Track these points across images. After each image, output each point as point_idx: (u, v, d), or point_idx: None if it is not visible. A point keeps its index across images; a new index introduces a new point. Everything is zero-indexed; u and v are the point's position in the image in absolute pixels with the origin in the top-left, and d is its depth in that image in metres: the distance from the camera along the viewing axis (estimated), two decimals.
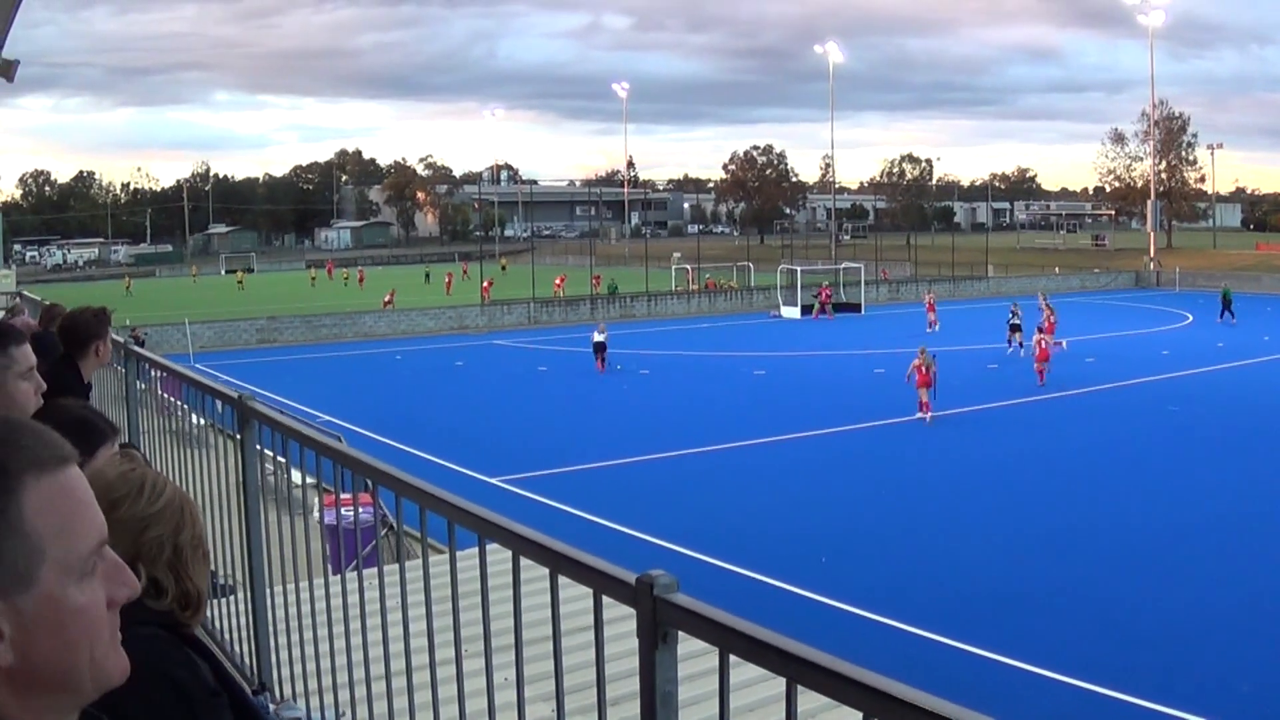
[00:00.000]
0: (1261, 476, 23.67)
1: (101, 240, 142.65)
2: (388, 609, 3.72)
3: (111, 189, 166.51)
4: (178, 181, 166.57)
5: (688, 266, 79.24)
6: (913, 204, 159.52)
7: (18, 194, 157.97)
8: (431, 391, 37.61)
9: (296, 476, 4.75)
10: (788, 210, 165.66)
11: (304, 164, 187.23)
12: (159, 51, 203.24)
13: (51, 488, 1.39)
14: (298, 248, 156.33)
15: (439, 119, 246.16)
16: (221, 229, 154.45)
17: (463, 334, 57.25)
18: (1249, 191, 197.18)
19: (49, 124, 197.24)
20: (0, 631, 1.29)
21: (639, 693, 2.38)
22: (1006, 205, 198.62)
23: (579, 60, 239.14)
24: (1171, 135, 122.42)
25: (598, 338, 41.79)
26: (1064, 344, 39.18)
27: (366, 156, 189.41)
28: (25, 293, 18.34)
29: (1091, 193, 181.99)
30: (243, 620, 5.17)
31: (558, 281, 74.02)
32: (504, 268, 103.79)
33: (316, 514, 5.31)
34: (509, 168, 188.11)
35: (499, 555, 2.93)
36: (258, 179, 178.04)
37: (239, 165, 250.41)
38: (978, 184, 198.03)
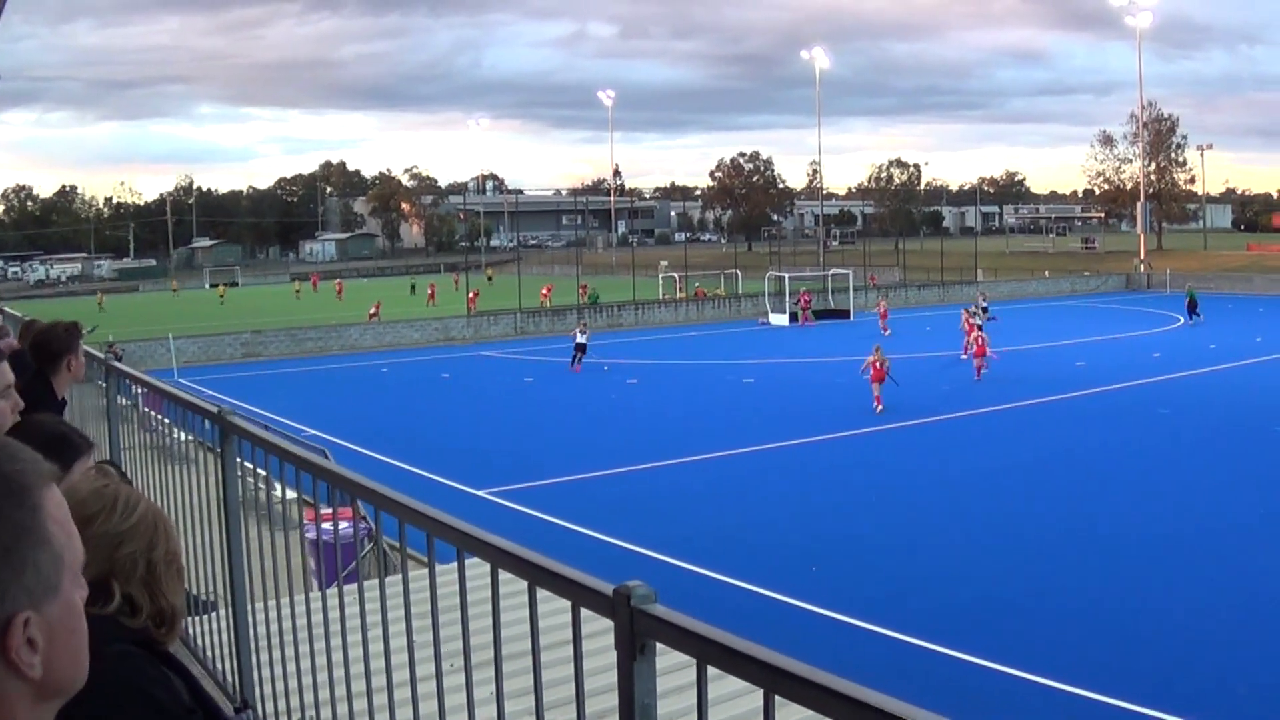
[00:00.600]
0: (1255, 478, 23.74)
1: (85, 255, 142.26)
2: (369, 624, 3.74)
3: (94, 203, 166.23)
4: (161, 195, 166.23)
5: (675, 275, 79.24)
6: (901, 209, 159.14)
7: (0, 209, 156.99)
8: (418, 404, 37.33)
9: (278, 491, 4.75)
10: (775, 217, 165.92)
11: (288, 176, 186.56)
12: (141, 64, 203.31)
13: (56, 497, 1.48)
14: (282, 261, 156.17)
15: (424, 129, 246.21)
16: (205, 242, 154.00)
17: (449, 345, 56.90)
18: (1239, 192, 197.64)
19: (31, 138, 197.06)
20: (35, 643, 1.26)
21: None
22: (995, 209, 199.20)
23: (564, 69, 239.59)
24: (1161, 137, 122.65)
25: (579, 339, 42.75)
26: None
27: (351, 168, 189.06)
28: (7, 309, 18.21)
29: (1081, 195, 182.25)
30: (224, 637, 5.10)
31: (544, 291, 73.50)
32: (490, 278, 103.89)
33: (302, 529, 5.25)
34: (495, 177, 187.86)
35: (479, 569, 2.94)
36: (242, 192, 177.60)
37: (223, 178, 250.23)
38: (966, 188, 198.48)
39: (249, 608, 4.86)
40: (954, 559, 18.48)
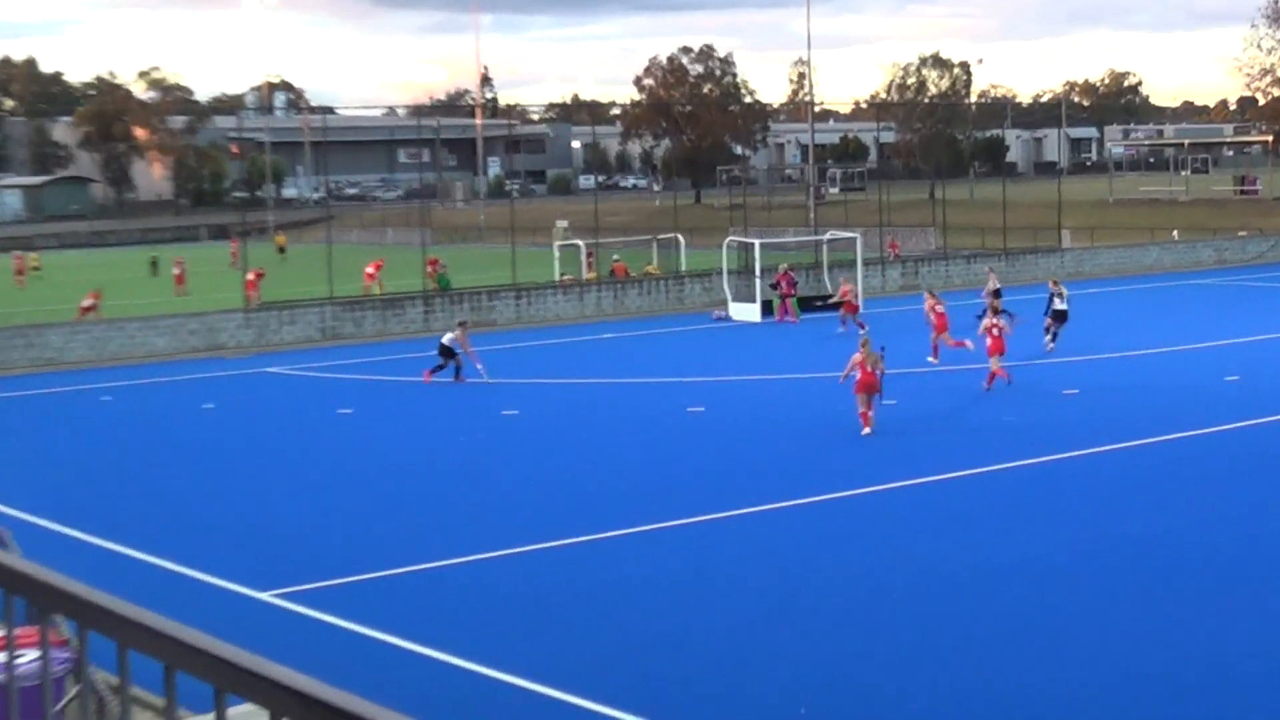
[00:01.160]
0: None
1: None
2: None
3: None
4: None
5: (580, 243, 65.84)
6: (939, 134, 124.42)
7: None
8: (161, 454, 32.53)
9: None
10: (739, 149, 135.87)
11: None
12: None
13: None
14: None
15: (170, 8, 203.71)
16: None
17: (214, 358, 47.15)
18: None
19: None
20: None
21: None
22: (1093, 132, 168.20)
23: None
24: None
25: (446, 339, 39.65)
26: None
27: (47, 69, 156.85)
28: None
29: (1234, 108, 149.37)
30: None
31: (370, 270, 62.32)
32: (282, 249, 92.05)
33: None
34: (289, 87, 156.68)
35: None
36: None
37: None
38: (1044, 100, 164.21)
39: None
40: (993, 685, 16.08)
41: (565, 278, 61.05)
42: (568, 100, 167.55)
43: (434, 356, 39.56)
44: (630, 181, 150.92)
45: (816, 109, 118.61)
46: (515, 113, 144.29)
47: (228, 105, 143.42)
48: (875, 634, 18.70)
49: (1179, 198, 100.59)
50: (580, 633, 19.16)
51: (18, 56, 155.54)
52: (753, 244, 56.33)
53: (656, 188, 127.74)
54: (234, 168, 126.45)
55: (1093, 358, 39.40)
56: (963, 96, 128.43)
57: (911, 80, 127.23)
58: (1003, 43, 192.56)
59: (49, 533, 24.51)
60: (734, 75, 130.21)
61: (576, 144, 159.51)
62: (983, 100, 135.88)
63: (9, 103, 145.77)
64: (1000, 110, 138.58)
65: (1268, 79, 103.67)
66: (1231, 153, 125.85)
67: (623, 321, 54.95)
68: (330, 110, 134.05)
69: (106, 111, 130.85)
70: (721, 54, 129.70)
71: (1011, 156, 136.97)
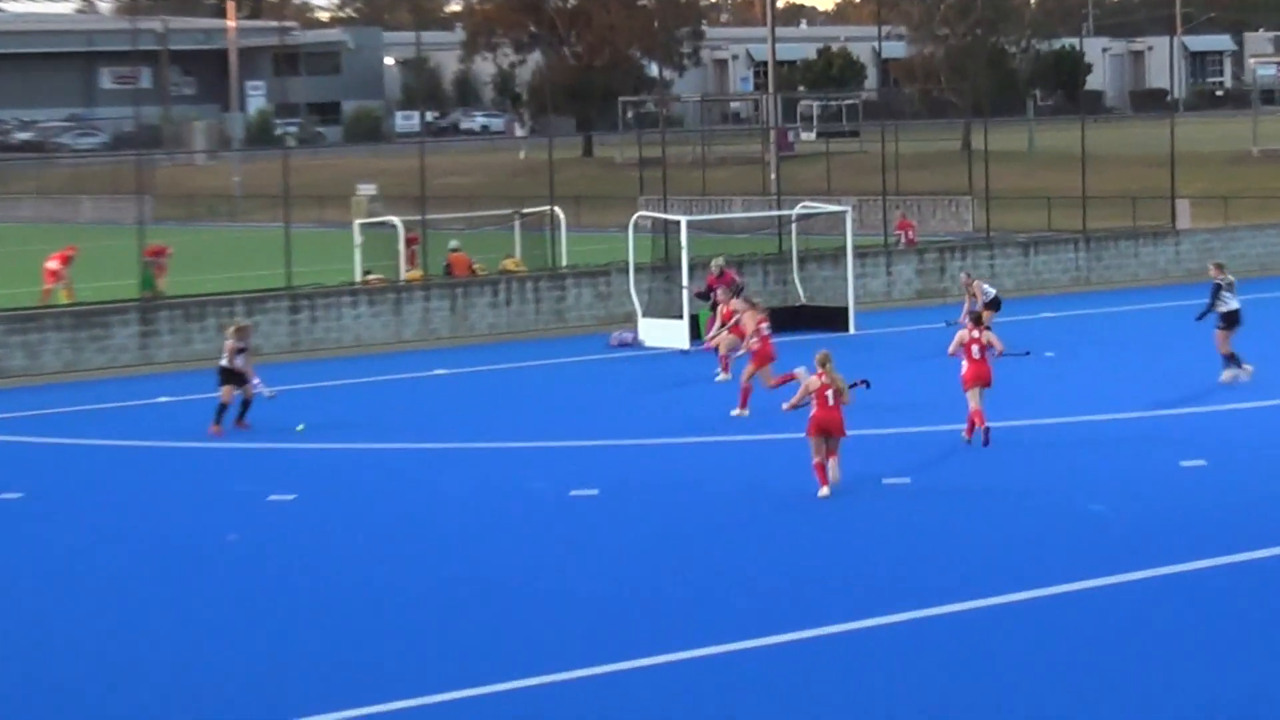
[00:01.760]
0: None
1: None
2: None
3: None
4: None
5: (396, 221, 53.07)
6: (980, 45, 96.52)
7: None
8: None
9: None
10: (655, 69, 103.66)
11: None
12: None
13: None
14: None
15: None
16: None
17: None
18: None
19: None
20: None
21: None
22: (1226, 42, 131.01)
23: None
24: None
25: (225, 360, 32.77)
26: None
27: None
28: None
29: None
30: None
31: (53, 265, 49.68)
32: None
33: None
34: None
35: None
36: None
37: None
38: None
39: None
40: None
41: (371, 278, 50.35)
42: None
43: (208, 401, 32.70)
44: (479, 121, 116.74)
45: (781, 3, 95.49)
46: (292, 9, 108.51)
47: None
48: None
49: None
50: None
51: None
52: (678, 223, 45.23)
53: (521, 131, 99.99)
54: None
55: (1227, 407, 31.64)
56: None
57: None
58: None
59: None
60: None
61: (391, 60, 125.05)
62: None
63: None
64: (1077, 7, 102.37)
65: None
66: None
67: (466, 348, 44.79)
68: None
69: None
70: None
71: (1095, 82, 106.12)
